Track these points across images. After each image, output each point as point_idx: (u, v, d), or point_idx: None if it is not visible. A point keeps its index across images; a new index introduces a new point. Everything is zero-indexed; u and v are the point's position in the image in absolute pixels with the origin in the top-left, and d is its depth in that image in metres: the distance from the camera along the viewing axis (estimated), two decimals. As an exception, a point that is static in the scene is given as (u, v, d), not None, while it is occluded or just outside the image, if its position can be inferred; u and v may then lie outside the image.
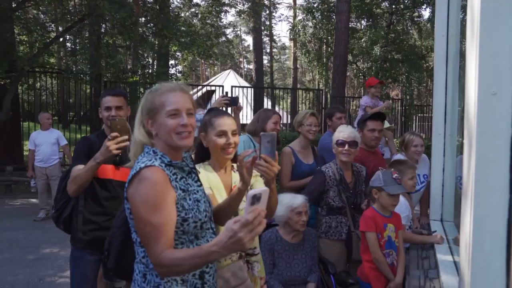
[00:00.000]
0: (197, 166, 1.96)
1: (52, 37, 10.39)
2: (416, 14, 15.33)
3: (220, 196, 1.90)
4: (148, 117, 1.49)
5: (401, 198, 2.80)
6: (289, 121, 14.35)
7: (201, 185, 1.58)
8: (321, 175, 3.00)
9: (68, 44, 13.39)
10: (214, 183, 1.94)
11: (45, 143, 6.32)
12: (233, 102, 3.41)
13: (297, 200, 2.69)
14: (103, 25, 10.55)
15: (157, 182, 1.37)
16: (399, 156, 3.47)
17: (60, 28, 12.85)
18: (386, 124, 4.40)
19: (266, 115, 3.49)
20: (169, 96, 1.46)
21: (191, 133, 1.46)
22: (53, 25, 12.23)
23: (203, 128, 1.97)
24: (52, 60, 13.45)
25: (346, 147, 2.92)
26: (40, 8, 11.05)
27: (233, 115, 3.59)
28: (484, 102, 1.23)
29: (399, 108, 14.11)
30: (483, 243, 1.17)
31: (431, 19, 14.63)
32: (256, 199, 1.20)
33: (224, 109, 3.73)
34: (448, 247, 2.69)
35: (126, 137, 2.21)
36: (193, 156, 2.19)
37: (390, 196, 2.55)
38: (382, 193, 2.57)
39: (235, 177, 1.98)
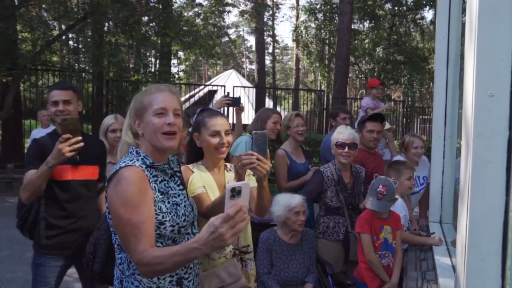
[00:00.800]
0: (190, 166, 2.00)
1: (55, 35, 10.42)
2: (419, 16, 15.32)
3: (213, 196, 1.92)
4: (136, 117, 1.49)
5: (398, 198, 2.80)
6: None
7: (183, 189, 1.56)
8: (319, 175, 3.00)
9: (71, 43, 13.43)
10: (207, 183, 1.95)
11: None
12: (235, 102, 3.39)
13: (295, 200, 2.69)
14: (106, 23, 10.57)
15: (134, 180, 1.36)
16: (399, 158, 3.46)
17: (63, 26, 12.88)
18: (387, 126, 4.40)
19: (266, 115, 3.48)
20: (157, 95, 1.46)
21: (176, 134, 1.45)
22: (55, 23, 12.27)
23: (196, 128, 1.98)
24: (54, 58, 13.47)
25: (346, 149, 2.91)
26: (43, 6, 11.06)
27: (235, 115, 3.60)
28: (482, 103, 1.23)
29: (400, 109, 14.10)
30: (479, 244, 1.16)
31: (434, 21, 14.62)
32: (235, 192, 1.16)
33: (225, 109, 3.73)
34: (447, 249, 2.68)
35: (80, 137, 2.09)
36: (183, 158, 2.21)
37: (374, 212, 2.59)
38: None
39: (228, 176, 2.03)
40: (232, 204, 1.16)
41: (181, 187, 1.55)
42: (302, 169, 3.45)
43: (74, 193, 2.29)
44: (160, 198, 1.42)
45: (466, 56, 1.35)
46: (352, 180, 3.03)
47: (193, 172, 1.96)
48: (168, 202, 1.45)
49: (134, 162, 1.41)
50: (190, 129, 3.25)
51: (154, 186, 1.42)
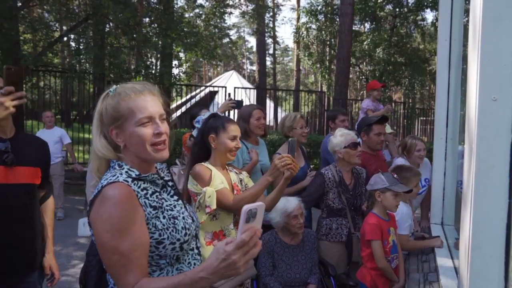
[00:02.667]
0: (206, 164, 2.17)
1: (56, 36, 10.44)
2: (420, 17, 15.33)
3: None
4: (113, 127, 1.26)
5: (404, 206, 2.81)
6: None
7: (178, 199, 1.37)
8: (320, 177, 3.01)
9: (73, 44, 13.43)
10: (222, 180, 2.16)
11: (48, 142, 6.30)
12: (239, 105, 3.43)
13: (291, 204, 2.69)
14: (107, 25, 10.59)
15: (121, 200, 1.16)
16: (400, 160, 3.47)
17: (64, 28, 12.89)
18: (388, 129, 4.42)
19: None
20: (137, 101, 1.24)
21: (166, 142, 1.28)
22: (57, 24, 12.30)
23: (214, 131, 2.20)
24: (56, 60, 13.48)
25: (359, 148, 2.97)
26: (45, 7, 11.08)
27: (237, 117, 3.59)
28: (485, 107, 1.24)
29: (401, 111, 14.11)
30: (482, 247, 1.18)
31: (435, 23, 14.63)
32: (251, 215, 1.04)
33: (227, 112, 3.73)
34: (448, 251, 2.69)
35: (24, 93, 1.78)
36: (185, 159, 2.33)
37: (395, 196, 2.54)
38: (386, 194, 2.55)
39: (232, 176, 2.29)
40: (246, 228, 1.03)
41: (175, 197, 1.36)
42: (300, 174, 3.27)
43: (6, 202, 1.86)
44: (153, 214, 1.23)
45: (470, 60, 1.37)
46: (353, 181, 3.05)
47: (210, 169, 2.15)
48: (164, 217, 1.25)
49: (118, 177, 1.21)
50: (194, 131, 3.26)
51: (145, 202, 1.23)
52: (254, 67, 30.55)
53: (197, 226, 1.42)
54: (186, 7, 16.09)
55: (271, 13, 24.29)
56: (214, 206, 2.06)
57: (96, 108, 1.29)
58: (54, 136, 6.40)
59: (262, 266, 2.69)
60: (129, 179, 1.22)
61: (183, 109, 13.73)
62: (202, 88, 15.33)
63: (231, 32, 28.51)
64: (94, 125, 1.30)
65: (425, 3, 13.80)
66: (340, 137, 2.99)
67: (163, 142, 1.26)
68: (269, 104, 15.50)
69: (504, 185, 1.18)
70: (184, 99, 13.62)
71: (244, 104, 3.47)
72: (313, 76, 23.98)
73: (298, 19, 19.92)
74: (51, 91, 10.45)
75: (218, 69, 35.22)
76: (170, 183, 1.38)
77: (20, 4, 9.28)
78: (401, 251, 2.69)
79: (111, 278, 1.24)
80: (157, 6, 10.97)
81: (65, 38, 12.03)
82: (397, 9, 14.71)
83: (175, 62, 11.54)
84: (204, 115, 3.01)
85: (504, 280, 1.14)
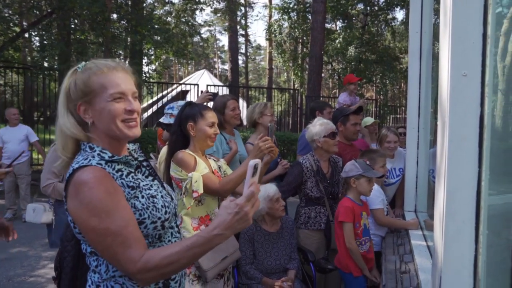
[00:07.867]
0: (188, 151, 2.20)
1: (18, 31, 9.91)
2: (390, 16, 15.78)
3: None
4: (82, 102, 1.21)
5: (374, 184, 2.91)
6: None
7: (154, 179, 1.35)
8: (298, 167, 3.04)
9: (37, 38, 12.71)
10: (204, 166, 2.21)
11: (13, 140, 6.05)
12: (215, 97, 3.45)
13: (271, 188, 2.73)
14: (74, 20, 10.20)
15: (98, 182, 1.13)
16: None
17: (25, 23, 12.25)
18: (371, 120, 4.53)
19: (222, 104, 3.18)
20: (110, 76, 1.21)
21: (137, 120, 1.25)
22: (18, 18, 11.65)
23: (192, 119, 2.22)
24: (17, 55, 12.77)
25: (337, 138, 3.05)
26: (5, 1, 10.45)
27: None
28: (456, 82, 1.30)
29: (373, 109, 14.44)
30: (455, 213, 1.24)
31: (405, 21, 15.10)
32: (255, 169, 1.13)
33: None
34: (422, 234, 2.78)
35: None
36: (164, 148, 2.36)
37: (369, 182, 2.67)
38: (360, 180, 2.66)
39: (212, 163, 2.34)
40: (252, 181, 1.13)
41: (150, 178, 1.33)
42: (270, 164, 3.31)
43: None
44: (131, 195, 1.20)
45: (441, 39, 1.43)
46: (330, 170, 3.10)
47: (193, 156, 2.18)
48: (142, 197, 1.23)
49: (90, 160, 1.17)
50: (163, 118, 3.19)
51: (122, 182, 1.20)
52: (226, 66, 30.45)
53: (176, 204, 1.41)
54: (156, 3, 15.78)
55: (243, 11, 24.26)
56: (201, 191, 2.10)
57: (63, 85, 1.24)
58: (19, 134, 6.11)
59: (242, 255, 2.68)
60: (102, 162, 1.19)
61: (154, 108, 13.48)
62: (174, 86, 15.10)
63: (203, 30, 28.21)
64: (60, 102, 1.24)
65: (395, 2, 14.21)
66: (319, 126, 3.03)
67: (135, 119, 1.23)
68: (242, 103, 15.47)
69: (474, 155, 1.24)
70: (155, 98, 13.36)
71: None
72: (285, 74, 24.10)
73: (270, 16, 20.01)
74: (12, 89, 9.88)
75: (189, 68, 34.82)
76: (144, 163, 1.35)
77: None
78: (377, 227, 2.79)
79: (109, 263, 1.20)
80: (126, 2, 10.69)
81: (28, 33, 11.42)
82: (368, 8, 15.07)
83: (145, 60, 11.29)
84: (177, 102, 3.01)
85: (475, 243, 1.21)
